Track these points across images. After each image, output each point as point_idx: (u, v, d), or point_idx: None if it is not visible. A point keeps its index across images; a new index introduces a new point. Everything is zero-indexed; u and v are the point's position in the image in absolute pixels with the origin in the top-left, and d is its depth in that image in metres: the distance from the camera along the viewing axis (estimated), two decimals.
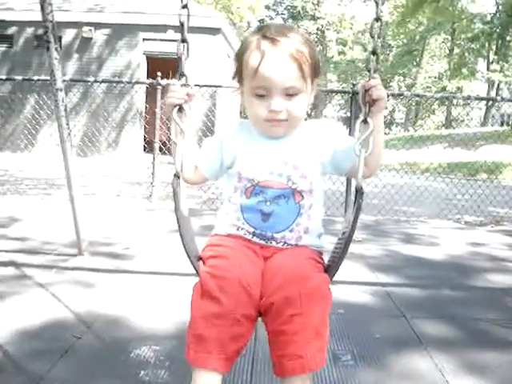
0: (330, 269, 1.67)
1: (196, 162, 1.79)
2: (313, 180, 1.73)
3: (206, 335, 1.48)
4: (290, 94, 1.63)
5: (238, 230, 1.73)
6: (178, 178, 1.67)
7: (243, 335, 1.53)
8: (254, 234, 1.72)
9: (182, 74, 1.71)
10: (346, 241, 1.61)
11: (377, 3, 1.67)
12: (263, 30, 1.66)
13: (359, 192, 1.61)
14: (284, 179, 1.69)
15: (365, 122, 1.61)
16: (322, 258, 1.76)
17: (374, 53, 1.66)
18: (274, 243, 1.72)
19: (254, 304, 1.54)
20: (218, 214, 1.85)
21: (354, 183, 1.68)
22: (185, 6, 1.68)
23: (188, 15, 1.69)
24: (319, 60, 1.72)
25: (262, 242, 1.72)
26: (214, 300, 1.49)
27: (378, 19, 1.65)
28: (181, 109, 1.71)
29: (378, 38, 1.65)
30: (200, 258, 1.72)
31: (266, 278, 1.59)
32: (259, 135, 1.76)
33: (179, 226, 1.66)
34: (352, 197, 1.81)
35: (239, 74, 1.74)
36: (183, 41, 1.69)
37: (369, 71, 1.65)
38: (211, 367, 1.49)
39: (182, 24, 1.68)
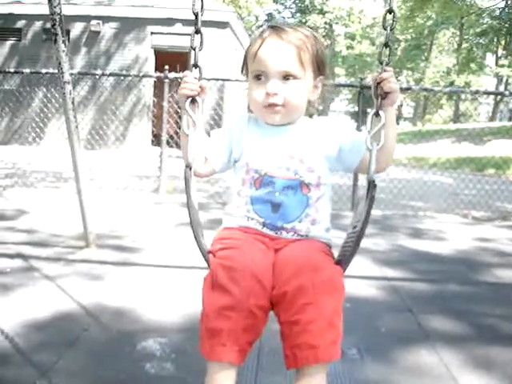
0: (342, 262, 1.65)
1: (206, 153, 1.80)
2: (321, 174, 1.73)
3: (220, 328, 1.46)
4: (286, 78, 1.67)
5: (248, 220, 1.71)
6: (190, 169, 1.70)
7: (256, 326, 1.51)
8: (263, 225, 1.70)
9: (196, 66, 1.74)
10: (358, 234, 1.59)
11: None
12: (272, 23, 1.74)
13: (371, 185, 1.61)
14: (291, 173, 1.70)
15: (376, 114, 1.62)
16: (331, 251, 1.75)
17: (386, 45, 1.65)
18: (284, 234, 1.71)
19: (267, 294, 1.51)
20: (226, 208, 1.84)
21: (360, 177, 1.68)
22: None
23: (202, 6, 1.73)
24: (324, 57, 1.76)
25: (272, 232, 1.70)
26: (225, 292, 1.47)
27: (390, 11, 1.66)
28: (193, 101, 1.73)
29: (391, 30, 1.66)
30: (210, 252, 1.68)
31: (278, 268, 1.56)
32: (265, 127, 1.78)
33: (190, 218, 1.68)
34: (361, 191, 1.82)
35: (246, 67, 1.79)
36: (197, 32, 1.72)
37: (381, 63, 1.66)
38: (226, 359, 1.46)
39: (195, 15, 1.72)
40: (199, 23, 1.73)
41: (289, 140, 1.75)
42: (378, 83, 1.64)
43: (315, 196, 1.73)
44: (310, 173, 1.72)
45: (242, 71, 1.83)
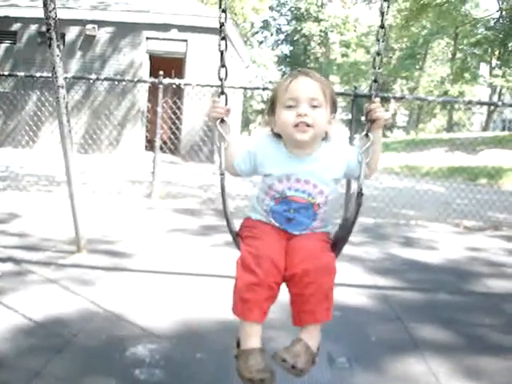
0: (336, 249, 2.14)
1: (233, 163, 2.21)
2: (328, 194, 2.14)
3: (248, 298, 1.94)
4: (314, 105, 2.02)
5: (267, 220, 2.17)
6: (223, 175, 2.16)
7: (273, 296, 1.99)
8: (279, 226, 2.15)
9: (223, 93, 2.18)
10: (347, 232, 2.14)
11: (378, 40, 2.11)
12: (298, 69, 2.15)
13: (359, 194, 2.10)
14: (305, 195, 2.11)
15: (366, 136, 2.07)
16: (329, 238, 2.21)
17: (375, 80, 2.10)
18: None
19: (280, 274, 1.99)
20: (253, 203, 2.28)
21: (353, 185, 2.09)
22: (223, 38, 2.16)
23: (226, 45, 2.16)
24: (336, 100, 2.15)
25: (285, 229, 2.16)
26: (252, 272, 1.94)
27: (378, 53, 2.09)
28: (222, 120, 2.15)
29: (379, 69, 2.10)
30: (237, 235, 2.19)
31: (290, 255, 2.04)
32: (287, 155, 2.13)
33: (226, 213, 2.17)
34: (353, 198, 2.23)
35: (272, 103, 2.15)
36: (223, 66, 2.16)
37: (371, 96, 2.11)
38: (253, 319, 1.96)
39: (221, 52, 2.16)
40: (224, 59, 2.17)
41: (305, 168, 2.11)
42: (368, 112, 2.08)
43: (322, 211, 2.16)
44: (321, 195, 2.12)
45: (268, 111, 2.19)
